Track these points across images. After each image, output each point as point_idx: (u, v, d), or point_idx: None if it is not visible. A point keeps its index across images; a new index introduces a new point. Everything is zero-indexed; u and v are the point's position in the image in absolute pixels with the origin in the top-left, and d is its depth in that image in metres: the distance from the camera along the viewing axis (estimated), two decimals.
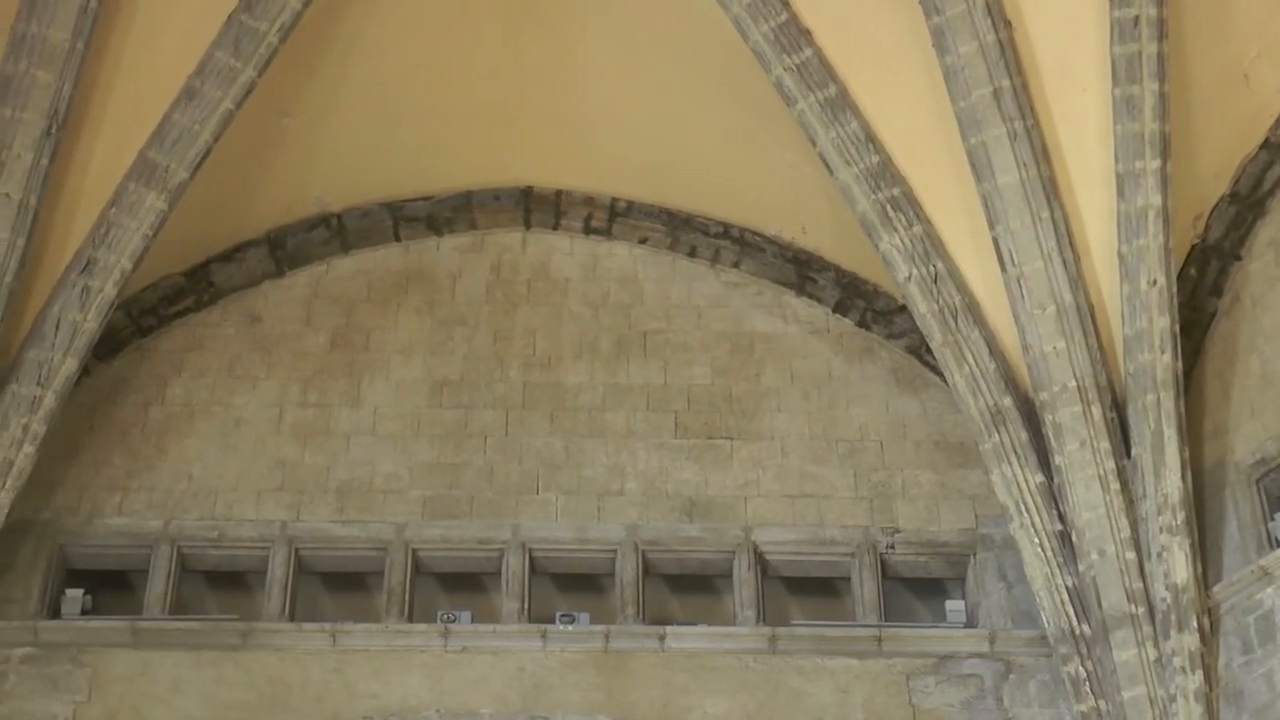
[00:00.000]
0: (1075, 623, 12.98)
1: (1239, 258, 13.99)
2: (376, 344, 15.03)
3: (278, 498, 14.21)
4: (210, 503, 14.17)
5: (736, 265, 15.47)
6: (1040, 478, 13.26)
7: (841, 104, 13.69)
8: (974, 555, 14.04)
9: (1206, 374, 13.78)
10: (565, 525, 14.13)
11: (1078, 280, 13.34)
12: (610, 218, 15.62)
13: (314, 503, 14.19)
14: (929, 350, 14.11)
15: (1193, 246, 14.03)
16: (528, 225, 15.69)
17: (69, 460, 14.23)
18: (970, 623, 13.83)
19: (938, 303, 13.66)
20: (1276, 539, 12.85)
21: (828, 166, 13.89)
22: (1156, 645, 12.73)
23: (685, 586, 14.27)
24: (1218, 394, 13.66)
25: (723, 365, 14.98)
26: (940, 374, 14.08)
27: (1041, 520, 13.21)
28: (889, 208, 13.74)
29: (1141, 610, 12.81)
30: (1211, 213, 14.08)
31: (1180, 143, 13.31)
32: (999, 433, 13.41)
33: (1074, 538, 13.12)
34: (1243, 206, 14.05)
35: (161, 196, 13.73)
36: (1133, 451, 13.13)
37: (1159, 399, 13.09)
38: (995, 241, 13.43)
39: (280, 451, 14.43)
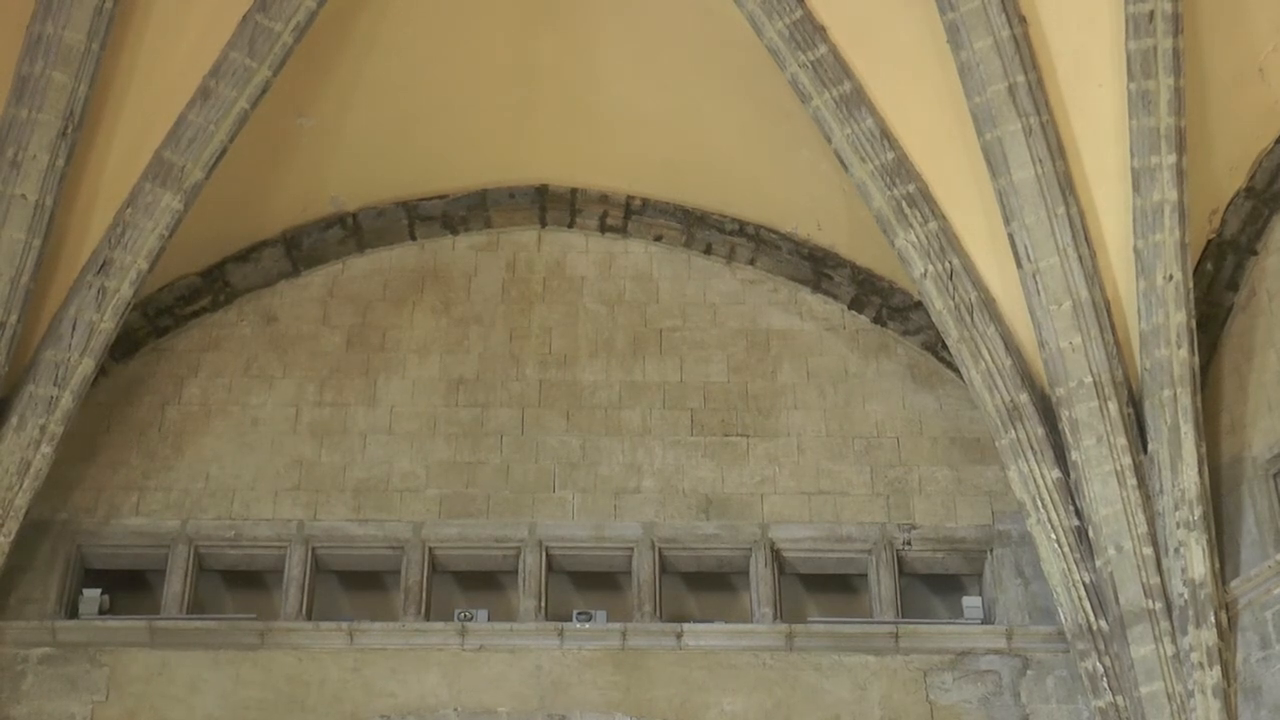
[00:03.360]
0: (1093, 618, 12.96)
1: (1255, 252, 13.94)
2: (392, 343, 15.04)
3: (295, 497, 14.22)
4: (227, 502, 14.18)
5: (752, 262, 15.46)
6: (1057, 473, 13.24)
7: (856, 100, 13.68)
8: (991, 551, 14.03)
9: (1223, 369, 13.74)
10: (582, 523, 14.13)
11: (1094, 275, 13.30)
12: (625, 216, 15.62)
13: (331, 502, 14.21)
14: (945, 346, 14.11)
15: (1209, 241, 13.99)
16: (543, 224, 15.69)
17: (86, 461, 14.26)
18: (987, 619, 13.81)
19: (953, 299, 13.64)
20: None
21: (843, 163, 13.88)
22: (1174, 641, 12.70)
23: (702, 584, 14.27)
24: (1234, 389, 13.61)
25: (738, 362, 14.97)
26: (956, 370, 14.08)
27: (1058, 516, 13.19)
28: (904, 204, 13.72)
29: (1159, 606, 12.79)
30: (1228, 207, 14.03)
31: (1196, 137, 13.28)
32: (1015, 429, 13.39)
33: (1091, 533, 13.10)
34: (1259, 201, 14.01)
35: (177, 197, 13.73)
36: (1149, 447, 13.10)
37: (1175, 394, 13.05)
38: (1011, 237, 13.40)
39: (297, 451, 14.45)
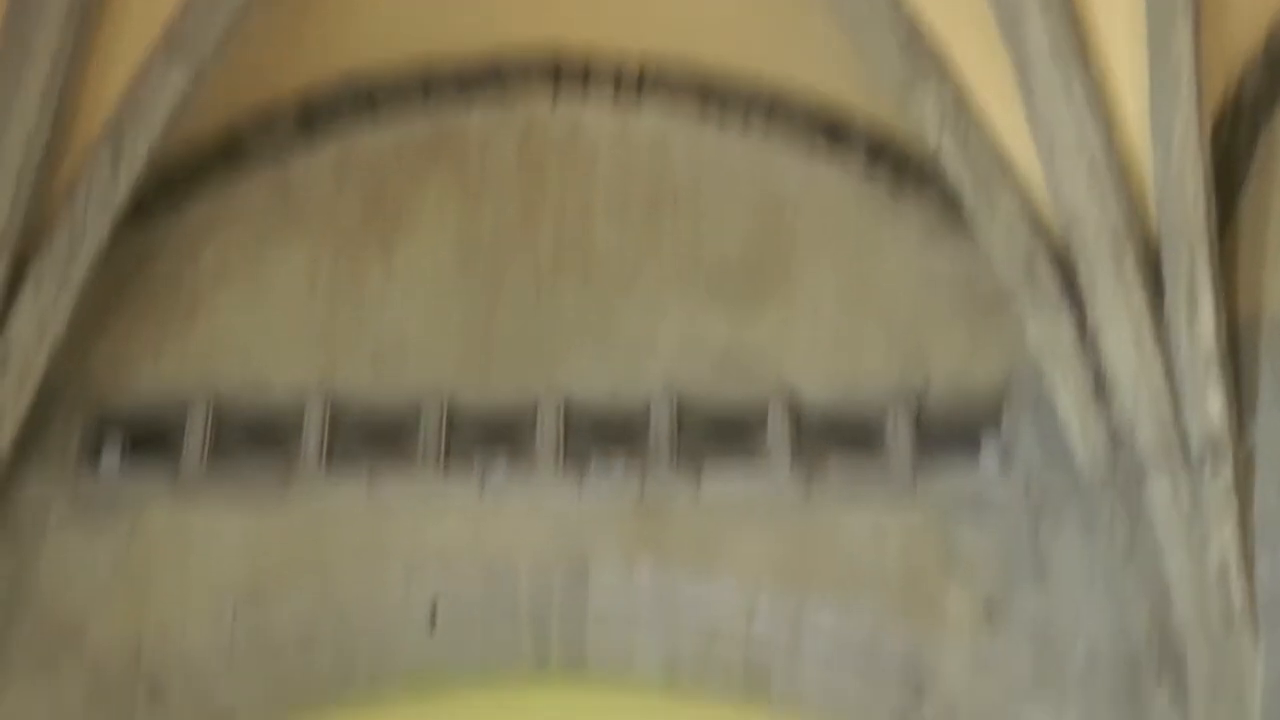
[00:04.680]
0: (1110, 464, 13.02)
1: (1272, 115, 13.92)
2: (407, 210, 15.00)
3: (312, 358, 14.26)
4: (244, 363, 14.23)
5: (767, 126, 15.37)
6: (1074, 325, 13.26)
7: None
8: (1008, 404, 13.98)
9: (1240, 231, 13.67)
10: (600, 378, 14.13)
11: (1109, 135, 13.28)
12: (639, 83, 15.53)
13: (349, 362, 14.24)
14: (961, 205, 14.10)
15: (1225, 104, 13.94)
16: (556, 93, 15.61)
17: (102, 324, 14.27)
18: (1005, 466, 13.79)
19: (969, 158, 13.63)
20: None
21: (855, 27, 13.83)
22: (1191, 488, 12.76)
23: (720, 436, 14.16)
24: (1251, 251, 13.57)
25: (754, 224, 14.92)
26: (973, 227, 14.06)
27: (1075, 368, 13.22)
28: (919, 67, 13.68)
29: (1176, 454, 12.84)
30: (1245, 70, 13.96)
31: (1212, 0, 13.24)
32: (1032, 284, 13.42)
33: (1108, 385, 13.12)
34: (1276, 64, 13.98)
35: (190, 65, 13.71)
36: (1166, 300, 13.12)
37: (1192, 248, 13.07)
38: (1026, 98, 13.37)
39: (313, 314, 14.47)
